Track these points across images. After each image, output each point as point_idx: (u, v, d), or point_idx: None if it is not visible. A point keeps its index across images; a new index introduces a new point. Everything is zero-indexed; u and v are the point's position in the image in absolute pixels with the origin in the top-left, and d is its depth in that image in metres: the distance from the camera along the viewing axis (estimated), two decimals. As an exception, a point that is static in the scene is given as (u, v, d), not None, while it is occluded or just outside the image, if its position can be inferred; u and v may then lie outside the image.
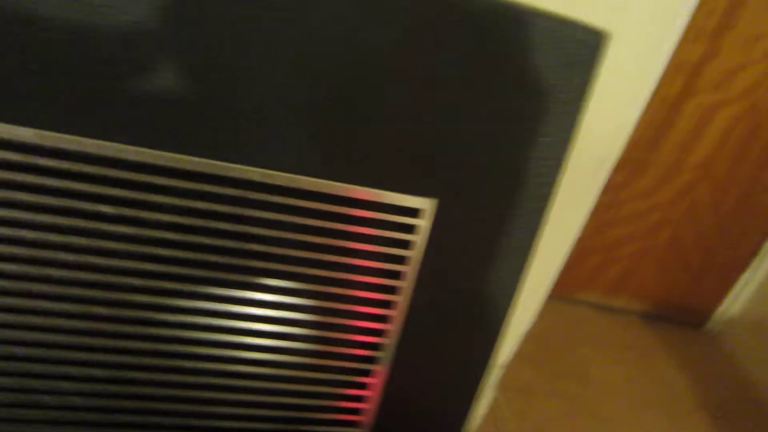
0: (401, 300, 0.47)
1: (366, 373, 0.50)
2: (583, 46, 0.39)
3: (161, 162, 0.40)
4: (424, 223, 0.44)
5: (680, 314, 1.81)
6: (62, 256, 0.42)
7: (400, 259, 0.46)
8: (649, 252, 1.68)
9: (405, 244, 0.46)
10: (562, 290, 1.74)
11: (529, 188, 0.44)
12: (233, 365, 0.49)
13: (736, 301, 1.76)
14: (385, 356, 0.49)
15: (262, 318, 0.47)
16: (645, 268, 1.70)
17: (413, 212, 0.44)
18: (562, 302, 1.72)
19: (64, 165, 0.38)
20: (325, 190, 0.42)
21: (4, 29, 0.32)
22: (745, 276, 1.72)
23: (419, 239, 0.45)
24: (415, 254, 0.45)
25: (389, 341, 0.48)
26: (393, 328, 0.48)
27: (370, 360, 0.50)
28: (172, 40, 0.36)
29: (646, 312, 1.80)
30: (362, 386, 0.51)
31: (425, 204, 0.44)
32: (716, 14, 1.37)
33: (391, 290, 0.47)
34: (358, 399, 0.51)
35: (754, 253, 1.68)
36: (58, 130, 0.37)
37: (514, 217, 0.45)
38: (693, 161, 1.54)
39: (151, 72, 0.37)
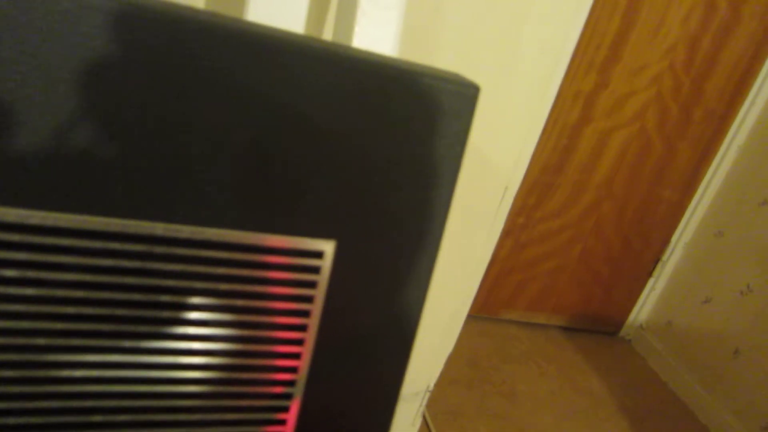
0: (310, 336, 0.48)
1: (282, 409, 0.51)
2: (459, 97, 0.44)
3: (65, 224, 0.40)
4: (326, 264, 0.47)
5: (596, 324, 1.93)
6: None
7: (308, 299, 0.48)
8: (564, 268, 1.79)
9: (311, 285, 0.47)
10: (487, 310, 1.81)
11: (422, 224, 0.48)
12: (148, 415, 0.48)
13: (643, 308, 1.91)
14: (298, 391, 0.50)
15: (177, 366, 0.46)
16: (561, 283, 1.81)
17: (316, 254, 0.46)
18: (488, 322, 1.79)
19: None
20: (229, 239, 0.43)
21: None
22: (650, 284, 1.87)
23: (323, 279, 0.47)
24: (320, 293, 0.47)
25: (302, 377, 0.50)
26: (304, 364, 0.49)
27: (285, 396, 0.50)
28: (72, 103, 0.36)
29: (565, 325, 1.91)
30: (280, 422, 0.51)
31: (326, 246, 0.46)
32: (604, 48, 1.52)
33: (300, 328, 0.48)
34: (275, 441, 0.51)
35: (655, 262, 1.84)
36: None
37: (411, 251, 0.48)
38: (595, 181, 1.67)
39: (50, 134, 0.37)
